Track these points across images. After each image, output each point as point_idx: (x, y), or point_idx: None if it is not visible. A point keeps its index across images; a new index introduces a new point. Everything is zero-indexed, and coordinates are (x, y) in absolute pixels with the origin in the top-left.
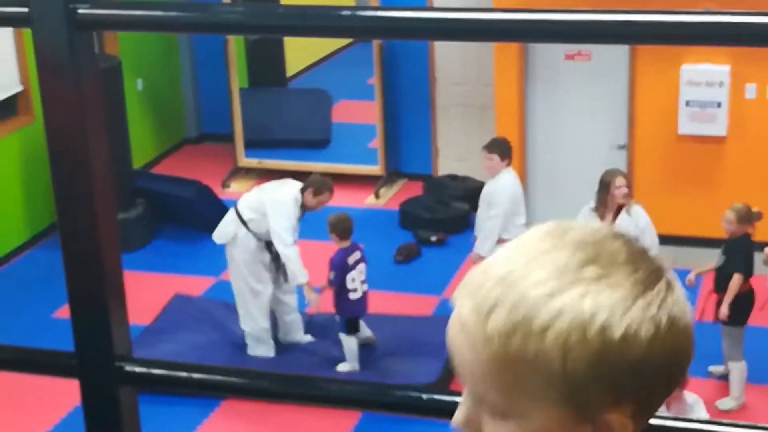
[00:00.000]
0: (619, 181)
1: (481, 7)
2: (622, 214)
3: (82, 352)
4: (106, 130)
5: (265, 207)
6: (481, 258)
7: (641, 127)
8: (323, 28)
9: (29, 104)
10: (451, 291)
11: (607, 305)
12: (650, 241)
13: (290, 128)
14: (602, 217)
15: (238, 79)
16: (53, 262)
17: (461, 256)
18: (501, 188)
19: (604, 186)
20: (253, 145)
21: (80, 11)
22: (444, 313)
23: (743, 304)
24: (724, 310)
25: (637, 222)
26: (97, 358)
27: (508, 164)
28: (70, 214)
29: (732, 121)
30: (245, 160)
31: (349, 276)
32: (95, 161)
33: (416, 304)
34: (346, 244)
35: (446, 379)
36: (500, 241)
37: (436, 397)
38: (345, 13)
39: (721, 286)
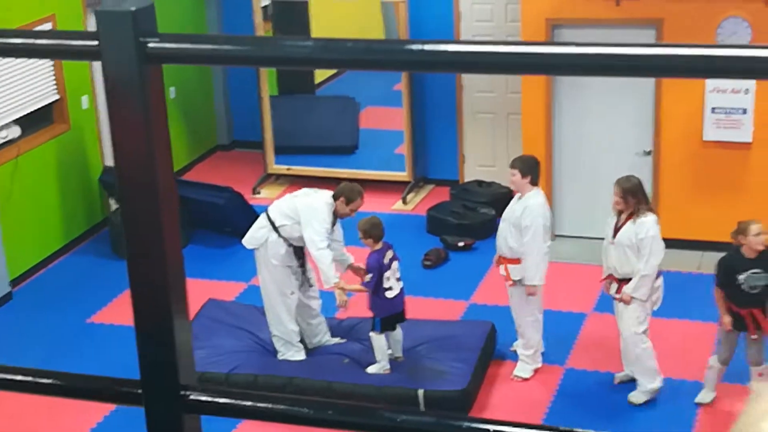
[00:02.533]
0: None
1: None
2: (629, 223)
3: (147, 381)
4: (171, 158)
5: (299, 213)
6: (536, 288)
7: (667, 133)
8: (392, 61)
9: (64, 113)
10: (478, 296)
11: None
12: (646, 252)
13: (319, 135)
14: (619, 218)
15: (268, 87)
16: (89, 267)
17: (488, 261)
18: (534, 216)
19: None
20: (282, 152)
21: (150, 45)
22: (471, 317)
23: None
24: None
25: (638, 232)
26: (162, 386)
27: (533, 182)
28: (138, 243)
29: (757, 128)
30: (275, 167)
31: (385, 275)
32: (163, 192)
33: (445, 309)
34: (379, 246)
35: (476, 384)
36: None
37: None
38: (413, 47)
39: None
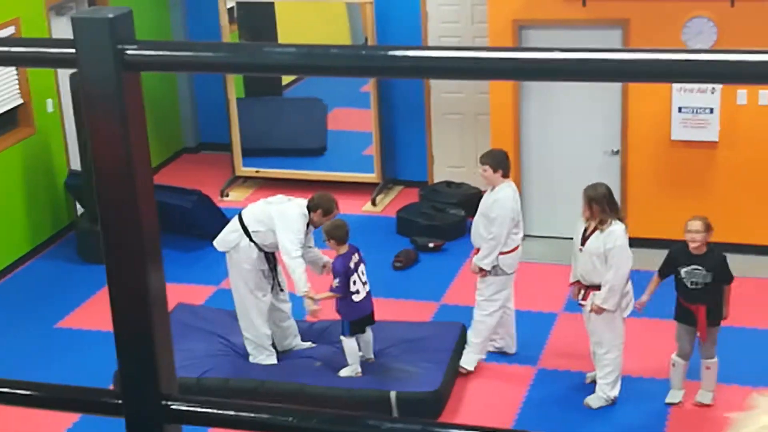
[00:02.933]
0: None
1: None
2: (596, 232)
3: (127, 391)
4: (150, 166)
5: (273, 220)
6: (482, 271)
7: (634, 132)
8: (372, 68)
9: (29, 117)
10: (449, 297)
11: None
12: (615, 263)
13: (287, 137)
14: (588, 226)
15: (235, 89)
16: (55, 272)
17: (459, 262)
18: (500, 205)
19: (601, 199)
20: (250, 154)
21: (128, 52)
22: (442, 318)
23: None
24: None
25: (606, 242)
26: (143, 396)
27: (504, 175)
28: (116, 253)
29: (724, 127)
30: (243, 169)
31: (352, 279)
32: (142, 200)
33: (415, 310)
34: (344, 249)
35: (448, 386)
36: (500, 253)
37: None
38: (396, 53)
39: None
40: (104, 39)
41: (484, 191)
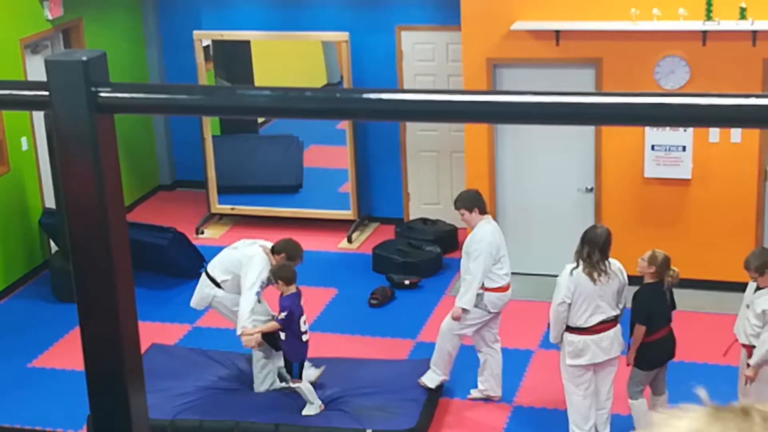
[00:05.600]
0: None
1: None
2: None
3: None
4: (123, 207)
5: (239, 264)
6: (464, 311)
7: (608, 170)
8: (346, 111)
9: (3, 154)
10: (425, 334)
11: None
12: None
13: (262, 174)
14: (591, 276)
15: (210, 127)
16: (29, 311)
17: (435, 299)
18: (478, 240)
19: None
20: (226, 191)
21: (102, 95)
22: (419, 356)
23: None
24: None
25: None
26: None
27: (482, 212)
28: (88, 293)
29: (696, 165)
30: (219, 206)
31: (302, 319)
32: (115, 239)
33: (391, 348)
34: (293, 289)
35: (425, 424)
36: (485, 289)
37: None
38: (370, 96)
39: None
40: (78, 81)
41: (460, 228)
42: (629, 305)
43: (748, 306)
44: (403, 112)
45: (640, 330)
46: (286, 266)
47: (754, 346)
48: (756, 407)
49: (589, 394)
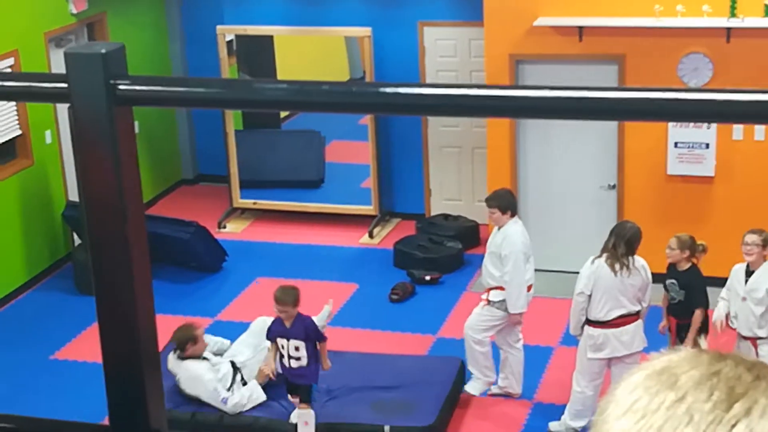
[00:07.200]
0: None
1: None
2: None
3: (116, 425)
4: (141, 199)
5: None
6: (521, 315)
7: (630, 167)
8: (363, 105)
9: (27, 148)
10: (445, 330)
11: None
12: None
13: (284, 169)
14: (612, 267)
15: (233, 122)
16: (52, 303)
17: (456, 295)
18: (511, 241)
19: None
20: (248, 186)
21: (121, 87)
22: (439, 352)
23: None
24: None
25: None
26: (132, 431)
27: (513, 215)
28: (106, 285)
29: (720, 162)
30: (241, 201)
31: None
32: (132, 233)
33: (412, 344)
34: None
35: (444, 421)
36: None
37: None
38: (387, 90)
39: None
40: (97, 74)
41: (482, 224)
42: (655, 303)
43: (744, 299)
44: (417, 106)
45: (701, 314)
46: (286, 290)
47: (759, 338)
48: (734, 353)
49: (596, 387)
